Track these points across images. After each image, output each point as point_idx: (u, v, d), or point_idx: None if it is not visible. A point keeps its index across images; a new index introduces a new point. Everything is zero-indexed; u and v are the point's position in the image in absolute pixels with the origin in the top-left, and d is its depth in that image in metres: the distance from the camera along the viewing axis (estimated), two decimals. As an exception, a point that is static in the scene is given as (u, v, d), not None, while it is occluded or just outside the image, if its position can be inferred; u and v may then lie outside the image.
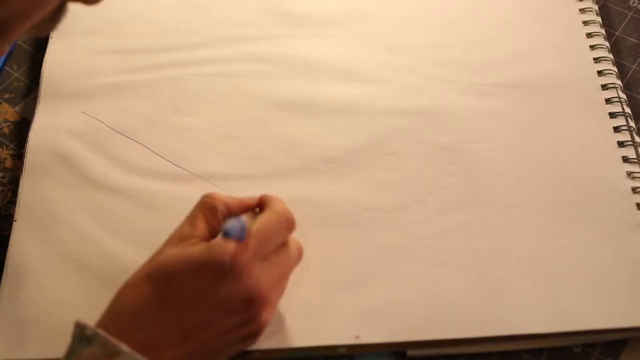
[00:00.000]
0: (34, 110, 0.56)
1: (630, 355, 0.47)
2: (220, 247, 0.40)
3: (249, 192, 0.51)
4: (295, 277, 0.47)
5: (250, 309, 0.41)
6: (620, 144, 0.53)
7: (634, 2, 0.63)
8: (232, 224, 0.41)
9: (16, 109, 0.59)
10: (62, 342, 0.43)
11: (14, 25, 0.36)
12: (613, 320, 0.46)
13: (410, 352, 0.46)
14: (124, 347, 0.38)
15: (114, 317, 0.41)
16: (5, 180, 0.55)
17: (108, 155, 0.53)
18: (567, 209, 0.50)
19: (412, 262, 0.48)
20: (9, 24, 0.36)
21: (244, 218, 0.43)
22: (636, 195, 0.51)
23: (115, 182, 0.51)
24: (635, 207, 0.50)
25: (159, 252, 0.43)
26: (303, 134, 0.54)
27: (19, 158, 0.56)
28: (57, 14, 0.39)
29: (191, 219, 0.44)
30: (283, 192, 0.51)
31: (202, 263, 0.40)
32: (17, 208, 0.51)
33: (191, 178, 0.52)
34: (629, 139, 0.53)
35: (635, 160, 0.52)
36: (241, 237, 0.41)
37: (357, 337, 0.45)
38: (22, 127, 0.58)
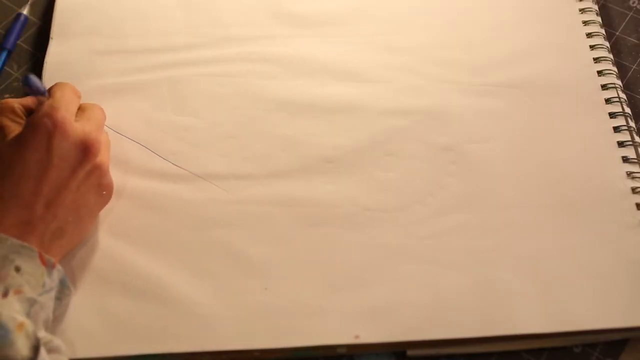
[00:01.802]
0: (33, 111, 0.56)
1: (630, 355, 0.47)
2: (35, 115, 0.45)
3: (249, 192, 0.51)
4: (295, 277, 0.48)
5: (88, 154, 0.45)
6: (620, 144, 0.53)
7: (633, 2, 0.63)
8: (30, 76, 0.45)
9: (16, 108, 0.59)
10: (64, 342, 0.44)
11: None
12: (613, 320, 0.46)
13: (410, 352, 0.46)
14: (2, 235, 0.41)
15: None
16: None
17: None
18: (567, 209, 0.50)
19: (412, 262, 0.48)
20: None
21: None
22: (636, 196, 0.51)
23: (115, 182, 0.51)
24: (635, 207, 0.50)
25: None
26: (303, 134, 0.54)
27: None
28: None
29: None
30: (283, 192, 0.51)
31: (28, 135, 0.44)
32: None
33: (191, 178, 0.52)
34: (629, 139, 0.53)
35: (635, 161, 0.52)
36: (43, 89, 0.46)
37: (357, 336, 0.45)
38: (21, 127, 0.58)
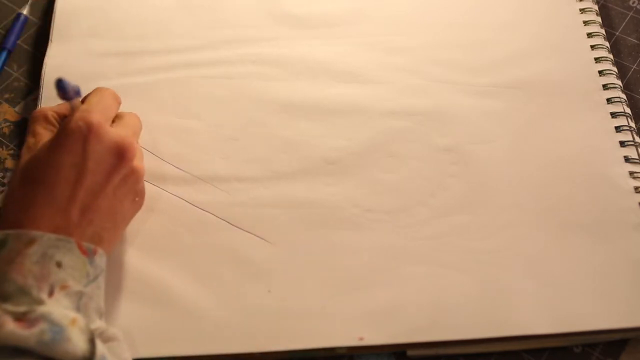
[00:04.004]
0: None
1: (630, 355, 0.47)
2: (69, 119, 0.43)
3: (251, 194, 0.51)
4: (298, 279, 0.48)
5: (123, 160, 0.44)
6: (622, 144, 0.53)
7: (633, 2, 0.63)
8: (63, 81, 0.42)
9: (16, 109, 0.59)
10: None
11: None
12: (615, 321, 0.46)
13: (411, 352, 0.47)
14: (37, 232, 0.40)
15: (10, 224, 0.41)
16: (5, 181, 0.55)
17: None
18: (568, 209, 0.50)
19: (414, 264, 0.48)
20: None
21: None
22: (638, 195, 0.51)
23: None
24: (638, 206, 0.50)
25: (18, 163, 0.45)
26: (304, 136, 0.54)
27: (19, 158, 0.56)
28: None
29: (31, 131, 0.46)
30: (284, 194, 0.51)
31: (62, 139, 0.43)
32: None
33: (192, 180, 0.52)
34: (631, 138, 0.53)
35: (637, 161, 0.52)
36: (77, 90, 0.44)
37: (361, 338, 0.46)
38: (22, 127, 0.57)
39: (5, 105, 0.59)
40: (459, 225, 0.50)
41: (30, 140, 0.45)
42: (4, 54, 0.60)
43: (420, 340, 0.46)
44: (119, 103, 0.49)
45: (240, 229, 0.50)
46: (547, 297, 0.47)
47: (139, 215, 0.49)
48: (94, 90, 0.48)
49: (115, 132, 0.44)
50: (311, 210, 0.51)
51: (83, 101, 0.47)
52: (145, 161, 0.50)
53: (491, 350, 0.47)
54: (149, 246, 0.49)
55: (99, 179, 0.43)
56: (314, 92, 0.56)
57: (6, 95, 0.59)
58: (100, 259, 0.43)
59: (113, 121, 0.48)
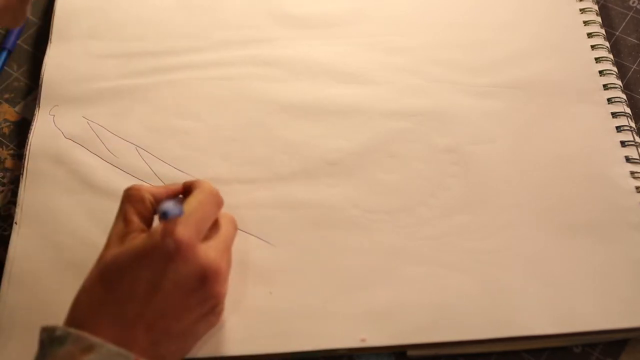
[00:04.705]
0: (33, 111, 0.56)
1: (630, 355, 0.47)
2: (161, 233, 0.41)
3: (252, 195, 0.51)
4: (300, 281, 0.48)
5: (206, 284, 0.41)
6: (623, 144, 0.53)
7: (633, 2, 0.63)
8: (167, 205, 0.40)
9: (16, 109, 0.59)
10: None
11: None
12: (615, 321, 0.46)
13: (411, 352, 0.47)
14: (98, 340, 0.38)
15: (75, 322, 0.41)
16: (5, 181, 0.55)
17: (109, 160, 0.53)
18: (569, 209, 0.50)
19: (416, 264, 0.48)
20: None
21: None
22: (639, 195, 0.51)
23: (118, 187, 0.50)
24: (638, 206, 0.50)
25: (102, 255, 0.42)
26: (305, 136, 0.54)
27: (19, 158, 0.56)
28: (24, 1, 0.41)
29: (123, 215, 0.44)
30: (285, 195, 0.51)
31: (148, 252, 0.40)
32: (18, 212, 0.51)
33: (193, 182, 0.52)
34: (631, 138, 0.53)
35: (638, 161, 0.52)
36: (179, 215, 0.41)
37: (363, 339, 0.46)
38: (22, 127, 0.57)
39: (5, 105, 0.59)
40: (459, 225, 0.50)
41: (119, 225, 0.43)
42: (4, 54, 0.60)
43: (424, 341, 0.46)
44: (220, 207, 0.46)
45: (241, 230, 0.50)
46: (547, 297, 0.47)
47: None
48: (196, 188, 0.45)
49: (204, 255, 0.41)
50: (312, 211, 0.51)
51: (184, 192, 0.46)
52: (146, 163, 0.50)
53: (491, 350, 0.47)
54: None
55: (174, 301, 0.41)
56: (314, 92, 0.56)
57: (6, 95, 0.59)
58: None
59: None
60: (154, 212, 0.45)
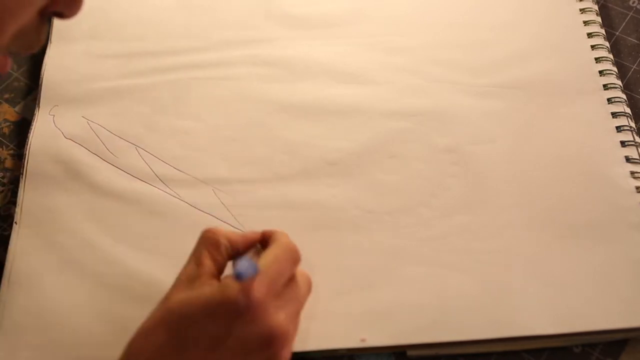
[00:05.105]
0: (33, 111, 0.56)
1: (630, 355, 0.47)
2: (233, 288, 0.39)
3: (252, 195, 0.51)
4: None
5: (271, 347, 0.40)
6: (623, 144, 0.53)
7: (633, 2, 0.63)
8: (242, 265, 0.39)
9: (16, 109, 0.59)
10: (66, 349, 0.44)
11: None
12: (615, 321, 0.46)
13: (411, 352, 0.47)
14: None
15: None
16: (5, 181, 0.55)
17: (110, 160, 0.53)
18: (569, 209, 0.50)
19: (416, 264, 0.48)
20: None
21: (250, 255, 0.42)
22: (639, 195, 0.51)
23: (118, 187, 0.51)
24: (638, 206, 0.50)
25: (169, 297, 0.41)
26: (305, 137, 0.54)
27: (19, 158, 0.56)
28: (41, 27, 0.40)
29: (196, 257, 0.43)
30: (285, 195, 0.51)
31: (216, 305, 0.39)
32: (18, 212, 0.51)
33: (194, 182, 0.52)
34: (631, 138, 0.53)
35: (638, 161, 0.52)
36: (254, 275, 0.39)
37: (363, 340, 0.46)
38: (22, 127, 0.57)
39: (5, 105, 0.59)
40: (459, 226, 0.50)
41: (190, 266, 0.42)
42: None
43: (424, 341, 0.46)
44: (297, 264, 0.44)
45: (242, 231, 0.50)
46: (547, 297, 0.47)
47: (140, 217, 0.49)
48: (274, 240, 0.44)
49: (274, 317, 0.40)
50: (312, 212, 0.51)
51: (262, 241, 0.44)
52: (146, 163, 0.50)
53: (491, 350, 0.47)
54: (147, 247, 0.49)
55: (234, 359, 0.39)
56: (314, 92, 0.56)
57: (6, 95, 0.59)
58: None
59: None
60: (228, 258, 0.44)
